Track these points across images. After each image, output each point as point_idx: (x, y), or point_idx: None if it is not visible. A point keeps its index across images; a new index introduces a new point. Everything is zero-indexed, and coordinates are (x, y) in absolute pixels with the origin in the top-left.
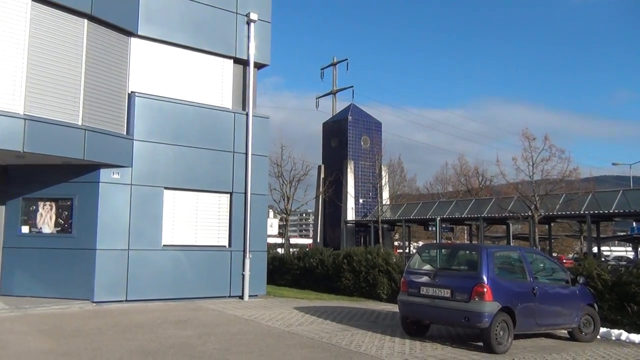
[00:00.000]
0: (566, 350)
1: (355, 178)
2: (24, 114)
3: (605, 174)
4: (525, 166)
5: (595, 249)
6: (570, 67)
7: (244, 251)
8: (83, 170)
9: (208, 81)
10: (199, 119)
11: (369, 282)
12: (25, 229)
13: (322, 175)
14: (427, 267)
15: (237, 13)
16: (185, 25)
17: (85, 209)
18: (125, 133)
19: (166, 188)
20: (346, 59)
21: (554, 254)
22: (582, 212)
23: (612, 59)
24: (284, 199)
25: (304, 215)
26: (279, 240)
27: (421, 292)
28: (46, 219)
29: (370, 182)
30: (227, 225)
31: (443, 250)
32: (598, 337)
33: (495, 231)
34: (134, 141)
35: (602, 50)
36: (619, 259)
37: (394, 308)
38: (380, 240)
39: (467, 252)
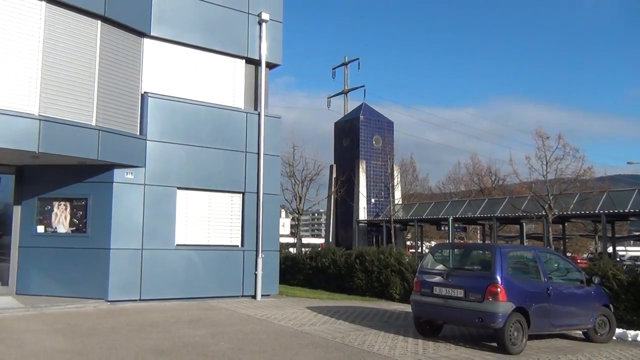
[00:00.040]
0: (581, 351)
1: (367, 177)
2: (39, 115)
3: (620, 173)
4: (538, 165)
5: (610, 249)
6: (583, 64)
7: (257, 251)
8: (97, 171)
9: (220, 81)
10: (211, 119)
11: (382, 282)
12: (40, 229)
13: (334, 175)
14: (440, 267)
15: (248, 13)
16: (197, 26)
17: (99, 209)
18: (138, 133)
19: (179, 188)
20: (357, 59)
21: (568, 254)
22: (596, 211)
23: (624, 57)
24: (296, 199)
25: (316, 215)
26: (291, 240)
27: (434, 292)
28: (61, 219)
29: (383, 181)
30: (240, 225)
31: (456, 250)
32: (614, 338)
33: (508, 231)
34: (147, 141)
35: (614, 49)
36: (634, 258)
37: (406, 308)
38: (393, 240)
39: (481, 252)
